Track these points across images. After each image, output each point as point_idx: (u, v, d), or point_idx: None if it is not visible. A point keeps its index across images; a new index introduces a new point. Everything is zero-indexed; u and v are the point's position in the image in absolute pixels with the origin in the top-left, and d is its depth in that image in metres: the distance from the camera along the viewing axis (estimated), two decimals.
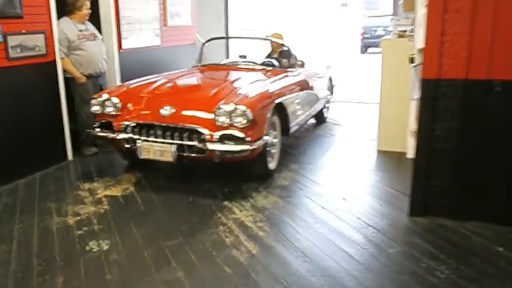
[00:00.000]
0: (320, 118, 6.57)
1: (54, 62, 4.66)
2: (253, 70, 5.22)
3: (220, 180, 4.31)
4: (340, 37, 24.55)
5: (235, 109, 3.72)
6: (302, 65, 5.86)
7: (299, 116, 5.01)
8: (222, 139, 3.74)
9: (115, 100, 4.10)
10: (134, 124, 3.96)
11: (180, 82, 4.73)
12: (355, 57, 18.67)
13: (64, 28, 4.83)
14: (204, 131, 3.75)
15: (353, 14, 36.65)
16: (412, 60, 4.23)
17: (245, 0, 13.29)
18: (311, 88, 5.55)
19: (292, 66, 5.46)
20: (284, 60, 5.56)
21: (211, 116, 3.79)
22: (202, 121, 3.81)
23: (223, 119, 3.73)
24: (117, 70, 5.71)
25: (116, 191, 4.09)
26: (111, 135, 4.06)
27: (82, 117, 5.06)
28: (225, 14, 8.44)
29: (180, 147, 3.80)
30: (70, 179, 4.46)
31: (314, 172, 4.63)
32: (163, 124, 3.86)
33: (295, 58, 5.60)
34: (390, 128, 5.21)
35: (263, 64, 5.40)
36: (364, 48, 20.43)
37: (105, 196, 4.01)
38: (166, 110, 3.91)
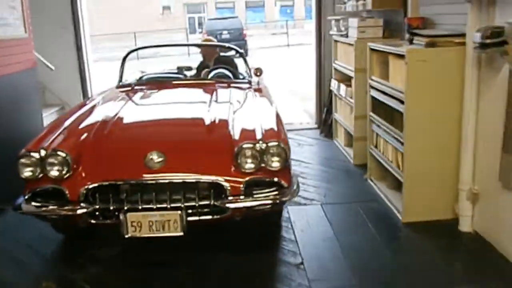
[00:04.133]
0: None
1: None
2: (211, 84, 4.20)
3: None
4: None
5: (268, 147, 2.80)
6: (260, 73, 4.55)
7: None
8: (248, 189, 2.78)
9: (62, 153, 2.76)
10: (97, 186, 2.71)
11: (139, 112, 3.61)
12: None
13: None
14: (224, 183, 2.74)
15: (177, 17, 34.80)
16: None
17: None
18: None
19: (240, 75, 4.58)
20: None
21: (224, 159, 2.81)
22: (212, 168, 2.79)
23: (250, 163, 2.77)
24: None
25: None
26: (64, 211, 2.71)
27: None
28: (74, 18, 5.79)
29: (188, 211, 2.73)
30: None
31: None
32: (155, 181, 2.73)
33: (248, 65, 4.60)
34: (424, 186, 3.30)
35: (216, 76, 4.41)
36: None
37: None
38: (153, 159, 2.77)
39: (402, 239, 3.30)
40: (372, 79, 3.88)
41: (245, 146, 2.79)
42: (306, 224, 3.52)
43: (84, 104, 3.76)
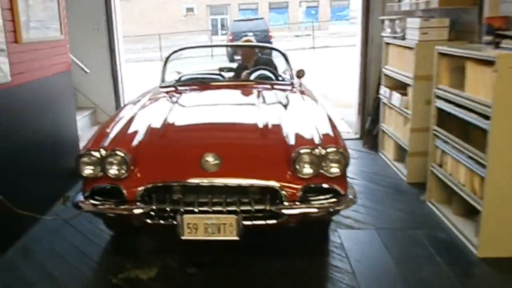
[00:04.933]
0: None
1: None
2: (254, 86, 4.12)
3: None
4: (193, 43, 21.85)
5: (327, 153, 2.70)
6: (302, 74, 4.47)
7: None
8: (304, 195, 2.69)
9: (121, 153, 2.75)
10: (151, 187, 2.69)
11: (190, 114, 3.57)
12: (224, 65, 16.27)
13: None
14: (281, 188, 2.66)
15: (200, 19, 34.56)
16: None
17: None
18: None
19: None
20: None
21: (280, 164, 2.73)
22: (268, 173, 2.71)
23: (309, 168, 2.67)
24: None
25: None
26: (120, 210, 2.71)
27: None
28: (108, 19, 5.54)
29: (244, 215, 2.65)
30: None
31: None
32: (211, 184, 2.67)
33: (290, 66, 4.49)
34: (508, 217, 2.80)
35: (258, 78, 4.32)
36: (233, 56, 18.25)
37: None
38: (209, 162, 2.69)
39: (479, 277, 2.81)
40: (439, 88, 3.39)
41: (303, 151, 2.71)
42: (362, 252, 3.07)
43: (132, 104, 3.74)
